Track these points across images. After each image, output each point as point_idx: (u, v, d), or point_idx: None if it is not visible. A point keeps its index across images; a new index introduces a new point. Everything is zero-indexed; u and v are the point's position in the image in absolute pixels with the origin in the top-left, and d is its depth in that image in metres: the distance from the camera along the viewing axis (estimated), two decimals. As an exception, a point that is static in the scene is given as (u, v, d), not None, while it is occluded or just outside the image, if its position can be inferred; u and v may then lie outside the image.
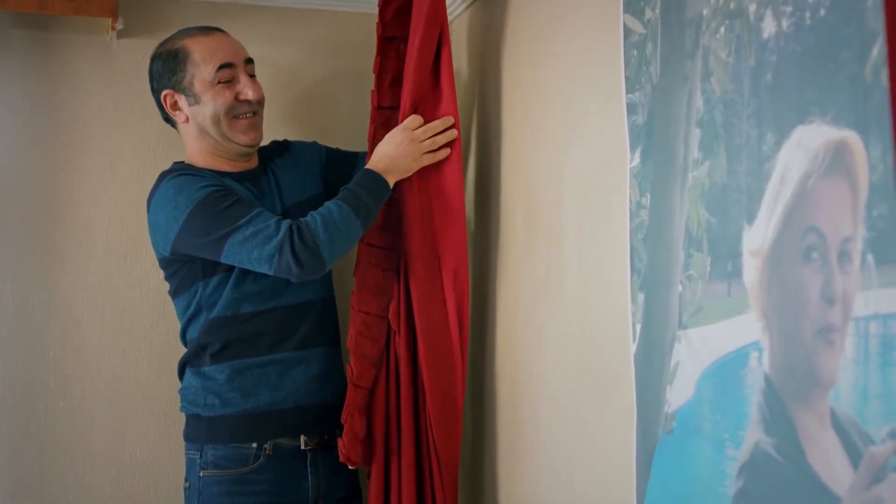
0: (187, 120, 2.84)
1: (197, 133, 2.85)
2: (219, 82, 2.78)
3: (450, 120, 2.71)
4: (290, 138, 3.13)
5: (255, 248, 2.61)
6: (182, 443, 2.91)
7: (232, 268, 2.74)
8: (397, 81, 2.84)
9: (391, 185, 2.70)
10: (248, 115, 2.82)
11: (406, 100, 2.72)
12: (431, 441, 2.73)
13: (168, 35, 2.90)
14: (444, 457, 2.72)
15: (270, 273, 2.62)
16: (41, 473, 3.03)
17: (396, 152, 2.70)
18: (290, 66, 3.27)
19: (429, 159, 2.73)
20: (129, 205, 3.04)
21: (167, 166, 2.93)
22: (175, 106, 2.84)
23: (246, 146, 2.85)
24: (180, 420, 2.95)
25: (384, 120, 2.85)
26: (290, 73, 3.26)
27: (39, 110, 3.11)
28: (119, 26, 3.09)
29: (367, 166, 2.72)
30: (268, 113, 2.93)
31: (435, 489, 2.74)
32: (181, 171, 2.80)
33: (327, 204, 2.66)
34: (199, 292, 2.79)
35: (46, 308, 3.08)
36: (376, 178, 2.69)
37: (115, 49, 3.17)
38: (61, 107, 3.13)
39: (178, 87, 2.82)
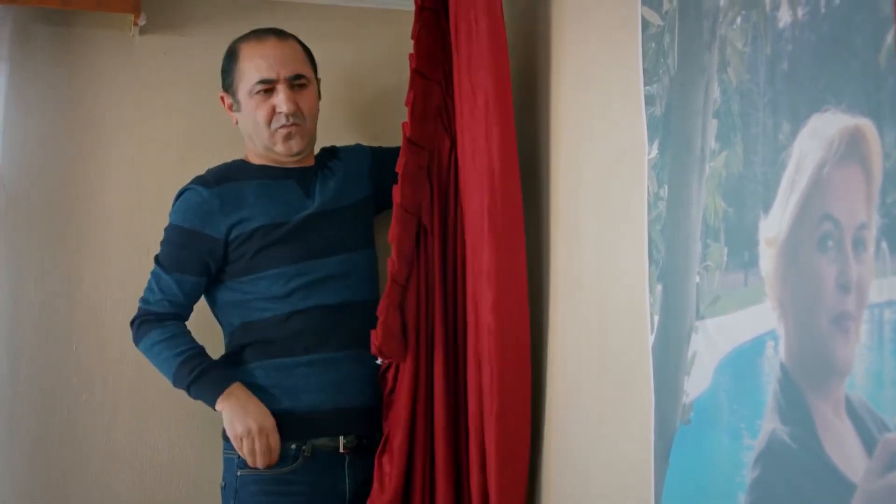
0: (237, 122, 2.96)
1: (245, 135, 2.97)
2: (258, 93, 2.87)
3: None
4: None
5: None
6: (205, 439, 2.93)
7: (252, 270, 2.87)
8: (435, 54, 2.88)
9: (215, 404, 2.79)
10: (285, 126, 2.88)
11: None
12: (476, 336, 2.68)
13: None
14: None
15: None
16: (63, 468, 3.04)
17: (234, 412, 2.77)
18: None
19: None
20: (151, 200, 3.06)
21: (189, 162, 3.00)
22: (230, 108, 2.95)
23: (284, 155, 2.93)
24: (203, 415, 2.96)
25: (424, 88, 2.87)
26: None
27: (62, 106, 3.13)
28: (141, 22, 3.11)
29: (222, 394, 2.78)
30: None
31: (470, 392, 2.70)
32: (190, 185, 2.93)
33: (178, 340, 2.84)
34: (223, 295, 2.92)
35: (69, 303, 3.09)
36: (212, 392, 2.79)
37: (138, 45, 3.18)
38: (83, 103, 3.14)
39: (228, 90, 2.93)
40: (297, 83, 2.89)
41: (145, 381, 3.09)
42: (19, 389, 3.03)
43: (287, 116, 2.86)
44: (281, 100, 2.85)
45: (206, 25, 3.19)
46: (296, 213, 2.90)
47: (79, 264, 3.11)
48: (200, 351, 2.83)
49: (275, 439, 2.75)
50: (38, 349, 3.05)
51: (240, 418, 2.74)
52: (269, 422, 2.75)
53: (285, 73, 2.87)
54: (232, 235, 2.86)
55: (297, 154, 2.93)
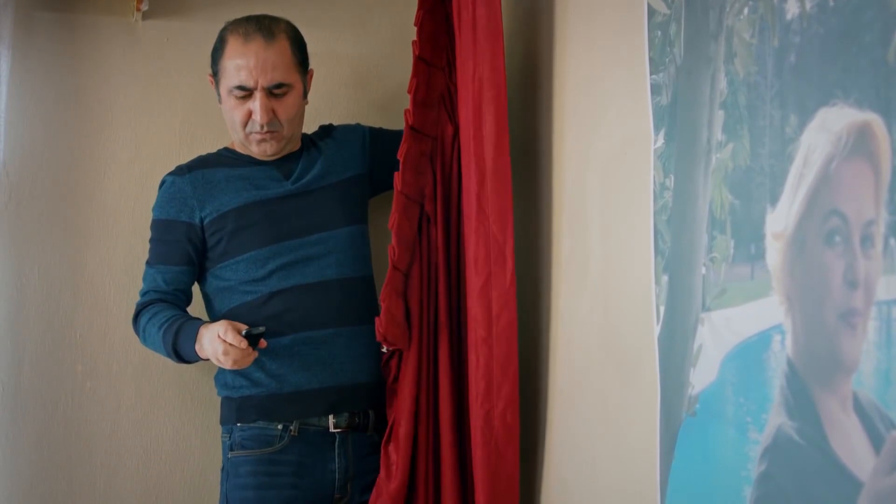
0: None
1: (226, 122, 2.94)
2: (235, 97, 2.83)
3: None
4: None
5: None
6: (210, 426, 2.95)
7: (229, 254, 2.87)
8: (437, 36, 2.86)
9: (199, 356, 2.75)
10: (259, 133, 2.85)
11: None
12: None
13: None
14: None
15: None
16: (67, 456, 3.05)
17: (208, 347, 2.69)
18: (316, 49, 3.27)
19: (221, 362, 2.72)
20: (154, 186, 3.04)
21: (192, 149, 3.00)
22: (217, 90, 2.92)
23: (259, 156, 2.93)
24: (207, 402, 2.97)
25: (427, 75, 2.85)
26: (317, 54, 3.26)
27: (64, 93, 3.12)
28: (144, 7, 3.10)
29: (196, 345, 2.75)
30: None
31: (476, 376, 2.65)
32: (166, 175, 2.95)
33: (160, 315, 2.81)
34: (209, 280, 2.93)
35: (73, 291, 3.09)
36: (192, 347, 2.74)
37: (141, 30, 3.17)
38: (86, 89, 3.13)
39: (215, 77, 2.90)
40: (276, 91, 2.82)
41: (150, 368, 3.10)
42: (23, 378, 3.03)
43: (261, 125, 2.83)
44: (256, 108, 2.80)
45: (209, 11, 3.18)
46: (272, 194, 2.91)
47: (82, 252, 3.11)
48: (179, 315, 2.81)
49: (231, 336, 2.65)
50: (42, 337, 3.05)
51: (210, 352, 2.70)
52: (222, 326, 2.68)
53: (264, 81, 2.79)
54: (206, 220, 2.87)
55: (273, 155, 2.93)
